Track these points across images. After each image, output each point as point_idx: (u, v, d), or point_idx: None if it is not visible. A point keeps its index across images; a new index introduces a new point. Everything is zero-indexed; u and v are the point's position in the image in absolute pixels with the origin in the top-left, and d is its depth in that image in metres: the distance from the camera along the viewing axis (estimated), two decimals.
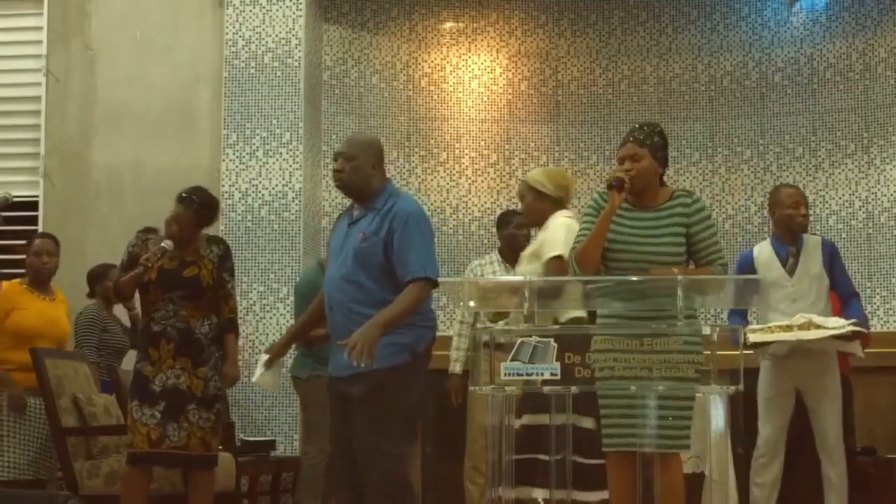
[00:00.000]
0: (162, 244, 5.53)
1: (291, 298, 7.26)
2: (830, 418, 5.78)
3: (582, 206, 4.82)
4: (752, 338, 5.57)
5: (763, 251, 5.98)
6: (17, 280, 6.26)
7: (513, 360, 4.02)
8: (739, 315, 5.76)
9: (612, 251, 4.54)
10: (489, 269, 6.81)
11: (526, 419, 5.10)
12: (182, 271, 5.55)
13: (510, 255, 6.71)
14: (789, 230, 5.93)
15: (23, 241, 6.63)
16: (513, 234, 6.69)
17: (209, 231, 5.82)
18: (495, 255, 6.87)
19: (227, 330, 5.73)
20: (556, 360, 3.99)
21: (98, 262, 7.04)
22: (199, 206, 5.62)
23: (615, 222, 4.56)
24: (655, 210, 4.59)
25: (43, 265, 6.27)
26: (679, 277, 4.14)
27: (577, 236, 4.64)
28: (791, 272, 5.88)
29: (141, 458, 5.43)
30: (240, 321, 6.06)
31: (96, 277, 6.94)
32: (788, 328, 5.67)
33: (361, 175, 4.74)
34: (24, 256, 6.54)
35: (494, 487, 4.08)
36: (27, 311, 6.14)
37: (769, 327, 5.66)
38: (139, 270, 5.48)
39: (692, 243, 4.56)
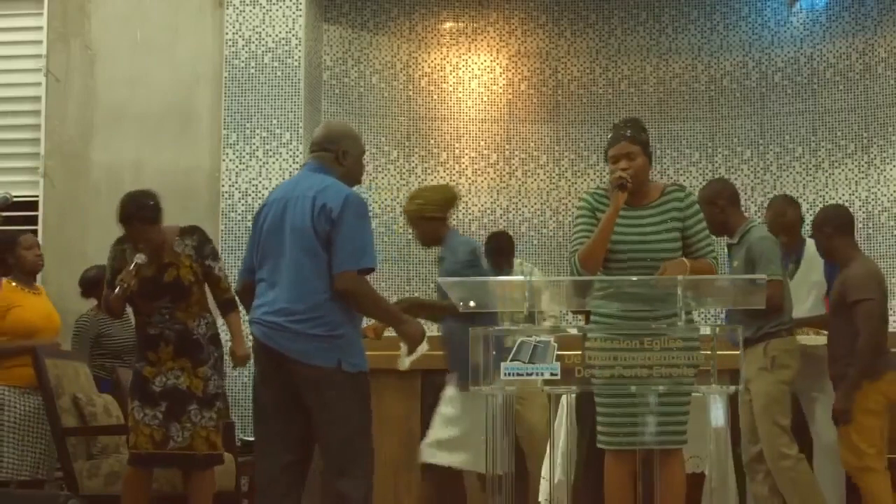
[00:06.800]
0: (136, 259, 5.46)
1: None
2: (824, 421, 5.81)
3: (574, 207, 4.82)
4: None
5: None
6: (4, 279, 6.24)
7: (513, 359, 4.02)
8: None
9: (613, 252, 4.54)
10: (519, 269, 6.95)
11: None
12: (162, 277, 5.51)
13: None
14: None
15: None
16: None
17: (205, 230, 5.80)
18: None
19: (227, 310, 5.73)
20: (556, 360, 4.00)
21: (98, 263, 7.00)
22: (138, 213, 5.51)
23: (615, 223, 4.57)
24: (650, 207, 4.60)
25: (37, 258, 6.28)
26: (680, 278, 4.15)
27: (575, 238, 4.63)
28: (791, 276, 5.95)
29: (144, 459, 5.42)
30: (240, 322, 6.05)
31: (94, 283, 6.89)
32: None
33: None
34: None
35: (495, 490, 4.08)
36: (24, 308, 6.13)
37: None
38: (119, 292, 5.43)
39: (686, 237, 4.58)
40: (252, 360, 4.75)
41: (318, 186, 4.55)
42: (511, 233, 8.20)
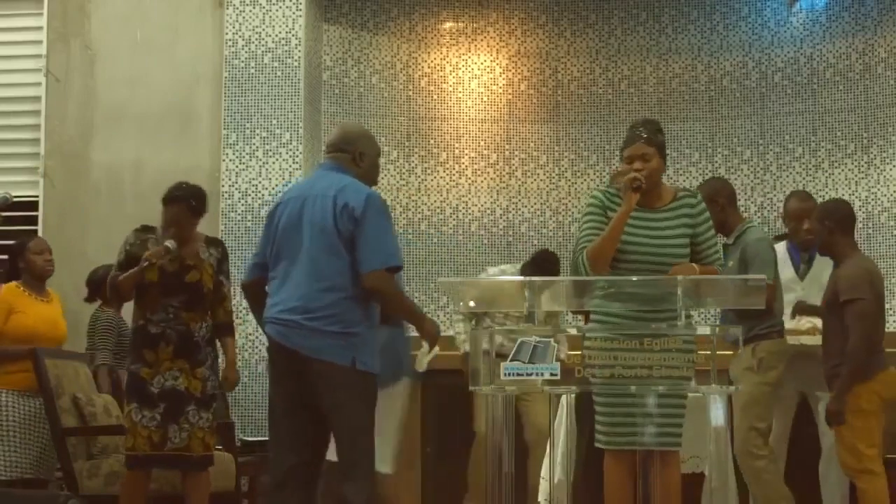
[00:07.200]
0: (166, 243, 5.49)
1: None
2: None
3: (580, 206, 4.81)
4: None
5: (779, 250, 6.03)
6: (13, 283, 6.22)
7: (513, 360, 4.02)
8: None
9: (623, 252, 4.53)
10: None
11: None
12: (184, 276, 5.53)
13: None
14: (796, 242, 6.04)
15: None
16: None
17: (205, 230, 5.81)
18: None
19: (224, 333, 5.73)
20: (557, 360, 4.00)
21: (98, 263, 7.00)
22: (189, 197, 5.59)
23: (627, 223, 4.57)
24: (663, 210, 4.60)
25: (47, 263, 6.24)
26: (680, 278, 4.15)
27: (583, 235, 4.62)
28: (802, 277, 5.98)
29: (141, 461, 5.43)
30: (241, 321, 6.07)
31: (103, 284, 6.84)
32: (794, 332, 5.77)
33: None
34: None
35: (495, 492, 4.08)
36: (27, 314, 6.10)
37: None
38: (140, 267, 5.45)
39: (695, 244, 4.61)
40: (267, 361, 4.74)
41: (337, 185, 4.55)
42: (510, 233, 8.21)
